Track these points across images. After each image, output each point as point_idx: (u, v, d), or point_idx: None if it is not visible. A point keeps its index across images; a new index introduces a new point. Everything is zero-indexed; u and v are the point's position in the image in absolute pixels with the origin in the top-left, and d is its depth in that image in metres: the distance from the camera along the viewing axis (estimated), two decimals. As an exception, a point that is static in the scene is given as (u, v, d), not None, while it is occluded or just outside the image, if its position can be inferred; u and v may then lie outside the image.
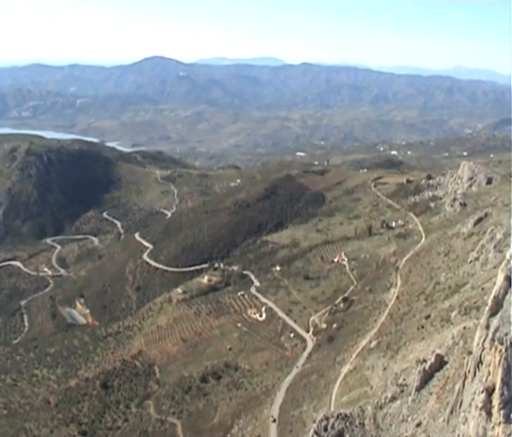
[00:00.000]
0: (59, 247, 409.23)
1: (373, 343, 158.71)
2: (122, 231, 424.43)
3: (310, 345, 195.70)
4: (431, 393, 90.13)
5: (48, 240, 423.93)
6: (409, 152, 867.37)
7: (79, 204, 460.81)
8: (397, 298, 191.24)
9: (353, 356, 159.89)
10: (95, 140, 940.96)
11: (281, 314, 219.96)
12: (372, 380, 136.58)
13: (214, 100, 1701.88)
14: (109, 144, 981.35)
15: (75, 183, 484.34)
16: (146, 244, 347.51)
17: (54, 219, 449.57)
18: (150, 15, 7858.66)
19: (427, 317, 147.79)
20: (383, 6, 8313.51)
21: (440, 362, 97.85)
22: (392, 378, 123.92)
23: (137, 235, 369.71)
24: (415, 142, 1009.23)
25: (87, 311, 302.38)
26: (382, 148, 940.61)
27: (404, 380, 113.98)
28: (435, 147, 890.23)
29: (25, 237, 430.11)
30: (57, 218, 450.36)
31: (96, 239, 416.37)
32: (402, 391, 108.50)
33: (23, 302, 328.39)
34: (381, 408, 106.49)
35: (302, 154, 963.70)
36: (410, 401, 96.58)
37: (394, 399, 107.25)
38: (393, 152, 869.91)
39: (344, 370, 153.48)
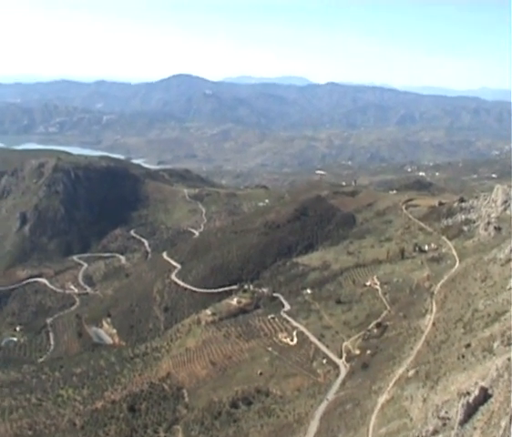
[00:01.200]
0: (86, 264, 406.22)
1: (411, 372, 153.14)
2: (149, 250, 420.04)
3: (343, 372, 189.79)
4: (475, 428, 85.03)
5: (75, 258, 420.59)
6: (437, 173, 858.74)
7: (106, 221, 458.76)
8: (433, 324, 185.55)
9: (390, 385, 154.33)
10: (121, 157, 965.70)
11: (312, 339, 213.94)
12: (411, 411, 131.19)
13: (240, 119, 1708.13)
14: (135, 161, 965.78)
15: (102, 200, 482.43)
16: (174, 263, 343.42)
17: (80, 237, 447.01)
18: (177, 33, 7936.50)
19: (467, 346, 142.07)
20: (408, 27, 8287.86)
21: (484, 395, 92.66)
22: (433, 410, 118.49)
23: (164, 254, 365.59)
24: (443, 163, 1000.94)
25: (114, 331, 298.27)
26: (409, 169, 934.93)
27: (447, 412, 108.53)
28: (464, 169, 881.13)
29: (51, 253, 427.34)
30: (84, 236, 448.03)
31: (123, 258, 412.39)
32: (444, 425, 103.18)
33: (49, 320, 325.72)
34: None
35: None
36: (453, 435, 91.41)
37: (435, 432, 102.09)
38: (421, 173, 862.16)
39: (381, 399, 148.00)
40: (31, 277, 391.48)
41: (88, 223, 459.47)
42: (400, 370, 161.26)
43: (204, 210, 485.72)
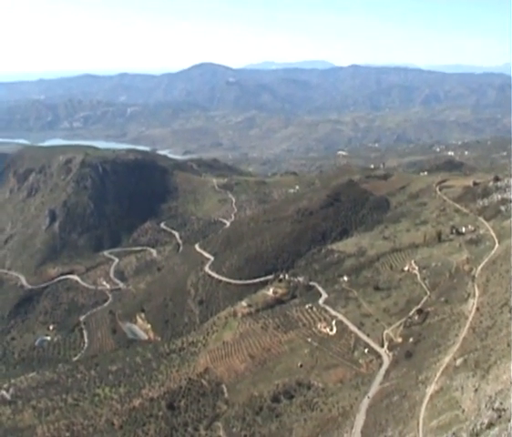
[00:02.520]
0: (117, 259, 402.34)
1: (459, 361, 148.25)
2: (181, 242, 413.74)
3: (386, 361, 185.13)
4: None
5: (105, 253, 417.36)
6: (466, 152, 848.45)
7: (136, 215, 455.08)
8: (477, 309, 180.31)
9: (438, 375, 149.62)
10: (146, 149, 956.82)
11: (352, 328, 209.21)
12: (463, 402, 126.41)
13: (264, 105, 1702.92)
14: (161, 152, 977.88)
15: (131, 194, 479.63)
16: (206, 255, 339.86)
17: (110, 231, 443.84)
18: (198, 22, 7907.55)
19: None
20: (429, 5, 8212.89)
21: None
22: (486, 401, 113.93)
23: (197, 246, 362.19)
24: (471, 142, 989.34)
25: (149, 326, 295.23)
26: (438, 149, 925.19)
27: (501, 403, 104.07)
28: (493, 147, 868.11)
29: (81, 250, 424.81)
30: (114, 230, 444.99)
31: (154, 251, 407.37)
32: (499, 417, 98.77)
33: (82, 317, 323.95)
34: (477, 435, 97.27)
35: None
36: (510, 427, 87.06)
37: (491, 425, 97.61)
38: (449, 153, 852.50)
39: (430, 390, 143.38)
40: (62, 274, 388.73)
41: (118, 217, 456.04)
42: (446, 359, 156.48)
43: (234, 200, 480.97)
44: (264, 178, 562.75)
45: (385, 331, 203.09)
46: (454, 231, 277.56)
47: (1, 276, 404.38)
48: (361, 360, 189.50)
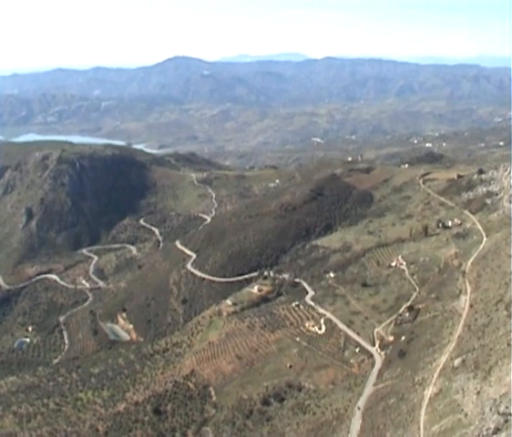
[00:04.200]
0: (96, 257, 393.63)
1: (457, 361, 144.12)
2: (161, 239, 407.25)
3: (378, 361, 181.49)
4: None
5: (84, 251, 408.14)
6: (444, 144, 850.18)
7: (115, 212, 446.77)
8: (471, 306, 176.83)
9: (435, 376, 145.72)
10: (122, 143, 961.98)
11: (341, 326, 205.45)
12: (465, 405, 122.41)
13: (239, 98, 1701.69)
14: (136, 146, 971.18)
15: (109, 190, 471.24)
16: (188, 252, 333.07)
17: (89, 229, 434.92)
18: (171, 15, 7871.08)
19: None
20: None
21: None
22: (490, 404, 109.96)
23: (178, 243, 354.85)
24: (448, 133, 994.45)
25: (131, 326, 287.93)
26: (415, 141, 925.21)
27: (507, 407, 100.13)
28: (470, 138, 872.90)
29: (60, 248, 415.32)
30: (93, 227, 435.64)
31: (134, 248, 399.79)
32: (506, 421, 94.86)
33: (61, 318, 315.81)
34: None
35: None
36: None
37: (497, 430, 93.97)
38: (427, 144, 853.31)
39: (428, 392, 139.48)
40: (40, 273, 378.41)
41: (96, 214, 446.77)
42: (443, 359, 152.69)
43: (214, 194, 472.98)
44: (243, 172, 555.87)
45: (376, 330, 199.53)
46: (440, 225, 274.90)
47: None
48: (352, 360, 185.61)
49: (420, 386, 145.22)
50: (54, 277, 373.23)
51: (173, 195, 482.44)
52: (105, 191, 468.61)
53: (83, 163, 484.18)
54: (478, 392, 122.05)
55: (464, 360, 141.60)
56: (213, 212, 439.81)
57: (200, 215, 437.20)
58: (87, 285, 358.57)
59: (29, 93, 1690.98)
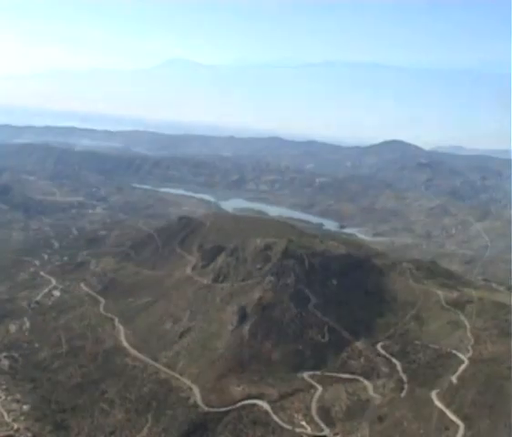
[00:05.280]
0: (320, 388, 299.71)
1: None
2: (404, 378, 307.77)
3: None
4: None
5: (306, 375, 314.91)
6: None
7: (346, 328, 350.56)
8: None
9: None
10: (334, 223, 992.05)
11: None
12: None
13: (457, 193, 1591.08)
14: (349, 230, 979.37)
15: (340, 299, 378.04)
16: (452, 418, 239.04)
17: (314, 346, 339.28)
18: (385, 101, 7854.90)
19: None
20: None
21: None
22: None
23: (433, 395, 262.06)
24: None
25: None
26: None
27: None
28: None
29: (275, 366, 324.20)
30: (318, 346, 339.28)
31: (370, 385, 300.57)
32: None
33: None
34: None
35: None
36: None
37: None
38: None
39: None
40: (249, 397, 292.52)
41: (324, 329, 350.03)
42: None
43: (468, 325, 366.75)
44: (504, 299, 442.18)
45: None
46: None
47: (170, 381, 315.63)
48: None
49: None
50: (265, 406, 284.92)
51: (417, 317, 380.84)
52: (335, 300, 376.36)
53: (312, 261, 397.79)
54: None
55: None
56: (470, 351, 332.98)
57: (454, 352, 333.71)
58: (308, 429, 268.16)
59: (243, 158, 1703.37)
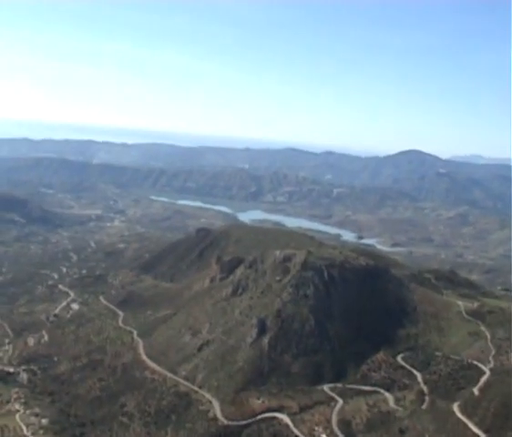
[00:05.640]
0: (341, 400, 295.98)
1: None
2: (425, 390, 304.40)
3: None
4: None
5: (326, 388, 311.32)
6: None
7: (366, 340, 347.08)
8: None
9: None
10: (352, 234, 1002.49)
11: None
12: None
13: (476, 202, 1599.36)
14: (367, 240, 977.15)
15: (360, 311, 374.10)
16: (473, 428, 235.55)
17: (334, 359, 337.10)
18: (406, 109, 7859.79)
19: None
20: None
21: None
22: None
23: (455, 408, 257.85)
24: None
25: None
26: None
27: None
28: None
29: (295, 378, 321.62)
30: (339, 358, 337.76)
31: (390, 398, 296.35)
32: None
33: None
34: None
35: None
36: None
37: None
38: None
39: None
40: (268, 410, 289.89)
41: (344, 341, 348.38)
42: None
43: (489, 335, 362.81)
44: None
45: None
46: None
47: (189, 394, 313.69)
48: None
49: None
50: (285, 419, 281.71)
51: (437, 327, 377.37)
52: (356, 312, 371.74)
53: (332, 272, 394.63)
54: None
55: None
56: (491, 362, 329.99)
57: (475, 363, 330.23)
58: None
59: (260, 169, 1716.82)
